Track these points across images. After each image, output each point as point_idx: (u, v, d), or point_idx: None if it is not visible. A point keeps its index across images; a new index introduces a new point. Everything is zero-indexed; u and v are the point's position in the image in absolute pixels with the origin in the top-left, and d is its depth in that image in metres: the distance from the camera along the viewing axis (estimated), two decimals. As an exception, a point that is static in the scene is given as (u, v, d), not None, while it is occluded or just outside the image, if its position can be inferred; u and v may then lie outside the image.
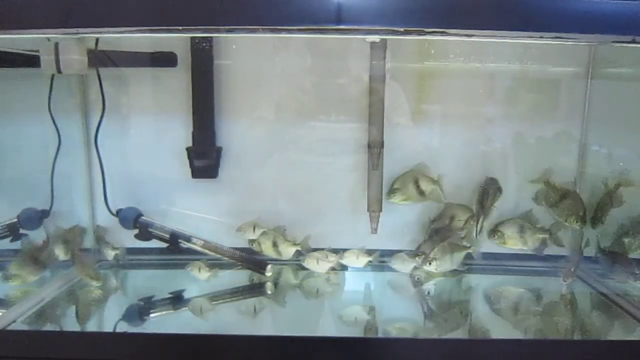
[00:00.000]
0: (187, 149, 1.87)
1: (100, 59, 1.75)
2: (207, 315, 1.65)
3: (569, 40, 1.23)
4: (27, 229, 1.84)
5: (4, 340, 1.36)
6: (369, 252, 1.85)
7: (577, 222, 1.76)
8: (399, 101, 1.86)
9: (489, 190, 1.83)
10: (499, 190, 1.85)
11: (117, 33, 1.33)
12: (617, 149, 1.83)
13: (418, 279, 1.82)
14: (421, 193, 1.84)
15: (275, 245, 1.83)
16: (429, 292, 1.77)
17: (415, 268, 1.82)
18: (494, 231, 1.84)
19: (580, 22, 1.11)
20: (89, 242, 1.93)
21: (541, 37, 1.18)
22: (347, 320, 1.62)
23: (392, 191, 1.85)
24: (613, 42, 1.21)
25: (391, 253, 1.86)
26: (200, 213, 1.93)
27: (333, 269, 1.84)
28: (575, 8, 1.11)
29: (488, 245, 1.86)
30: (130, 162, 1.92)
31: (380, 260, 1.86)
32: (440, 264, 1.75)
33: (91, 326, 1.58)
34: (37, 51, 1.67)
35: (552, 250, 1.85)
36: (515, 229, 1.82)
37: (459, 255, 1.80)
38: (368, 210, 1.88)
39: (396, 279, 1.85)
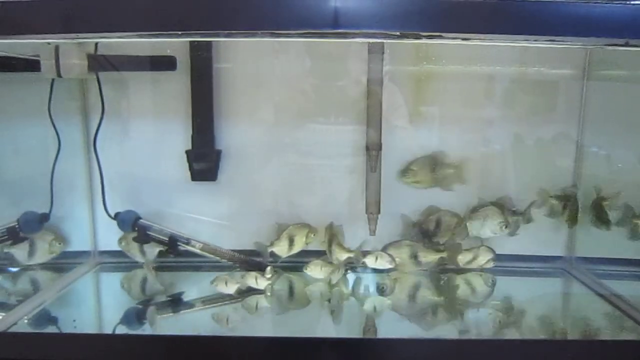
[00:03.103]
0: (187, 151, 1.88)
1: (100, 62, 1.76)
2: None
3: (563, 43, 1.25)
4: (27, 233, 1.84)
5: (5, 342, 1.37)
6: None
7: None
8: (397, 103, 1.88)
9: None
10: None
11: (117, 38, 1.34)
12: (614, 150, 1.84)
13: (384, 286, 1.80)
14: (436, 179, 1.84)
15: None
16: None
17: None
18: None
19: (574, 26, 1.12)
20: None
21: (536, 40, 1.19)
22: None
23: (406, 171, 1.85)
24: (606, 45, 1.22)
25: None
26: (200, 215, 1.93)
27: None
28: (569, 11, 1.12)
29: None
30: (129, 165, 1.92)
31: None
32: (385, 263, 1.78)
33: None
34: (38, 55, 1.68)
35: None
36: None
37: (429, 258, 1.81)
38: (366, 212, 1.89)
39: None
